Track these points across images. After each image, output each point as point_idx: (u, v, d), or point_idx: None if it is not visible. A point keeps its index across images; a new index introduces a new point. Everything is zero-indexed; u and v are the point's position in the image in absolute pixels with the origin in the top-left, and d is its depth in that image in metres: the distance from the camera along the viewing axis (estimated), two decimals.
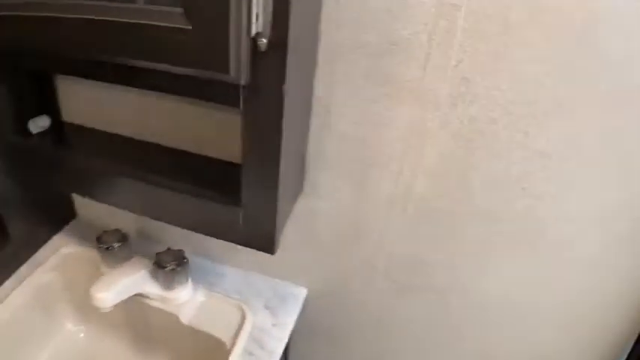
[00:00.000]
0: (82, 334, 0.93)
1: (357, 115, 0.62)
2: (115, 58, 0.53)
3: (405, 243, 0.72)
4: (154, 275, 0.78)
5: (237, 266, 0.89)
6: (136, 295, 0.78)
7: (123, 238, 0.82)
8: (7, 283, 0.85)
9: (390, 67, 0.57)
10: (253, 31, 0.43)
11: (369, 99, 0.60)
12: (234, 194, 0.58)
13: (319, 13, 0.55)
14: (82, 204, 1.00)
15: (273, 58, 0.45)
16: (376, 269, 0.78)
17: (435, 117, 0.59)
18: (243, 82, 0.47)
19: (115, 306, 0.73)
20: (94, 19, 0.48)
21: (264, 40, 0.43)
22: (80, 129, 0.81)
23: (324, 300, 0.86)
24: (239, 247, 0.65)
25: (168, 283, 0.78)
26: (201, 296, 0.82)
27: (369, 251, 0.76)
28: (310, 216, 0.75)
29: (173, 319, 0.79)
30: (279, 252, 0.65)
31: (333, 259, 0.80)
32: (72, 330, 0.93)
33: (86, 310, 0.90)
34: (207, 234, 0.65)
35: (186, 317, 0.79)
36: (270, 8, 0.42)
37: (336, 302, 0.86)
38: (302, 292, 0.85)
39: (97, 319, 0.91)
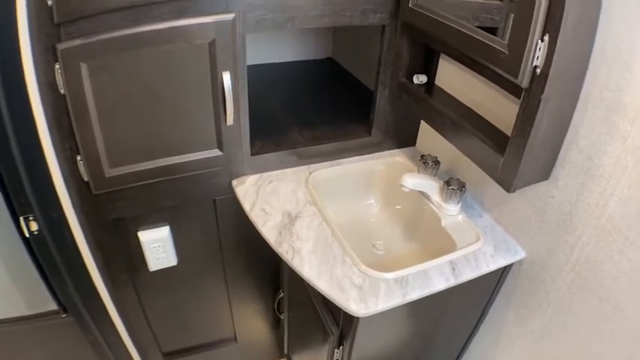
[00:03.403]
0: (376, 209, 1.66)
1: (589, 146, 1.05)
2: (469, 53, 1.13)
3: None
4: (441, 189, 1.39)
5: (493, 217, 1.40)
6: (423, 193, 1.42)
7: (436, 162, 1.45)
8: (356, 158, 1.64)
9: None
10: (535, 64, 0.94)
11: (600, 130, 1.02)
12: (502, 149, 1.11)
13: (585, 68, 1.02)
14: (421, 139, 1.70)
15: (541, 79, 0.95)
16: (569, 258, 1.17)
17: None
18: (524, 86, 0.99)
19: (407, 195, 1.40)
20: (463, 31, 1.09)
21: (539, 70, 0.94)
22: (441, 90, 1.48)
23: (532, 269, 1.29)
24: (500, 204, 1.30)
25: (447, 198, 1.37)
26: (460, 217, 1.38)
27: (571, 242, 1.16)
28: (545, 198, 1.20)
29: (436, 219, 1.39)
30: (515, 216, 1.26)
31: (547, 237, 1.22)
32: (372, 203, 1.67)
33: (388, 196, 1.63)
34: (479, 166, 1.20)
35: (444, 222, 1.37)
36: (544, 58, 0.93)
37: (537, 277, 1.28)
38: (521, 254, 1.30)
39: (391, 203, 1.62)
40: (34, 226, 1.19)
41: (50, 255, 1.27)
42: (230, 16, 1.17)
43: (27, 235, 1.20)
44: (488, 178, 1.18)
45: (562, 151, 1.12)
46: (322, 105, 1.87)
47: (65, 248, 1.29)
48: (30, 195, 1.14)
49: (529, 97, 0.99)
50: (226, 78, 1.23)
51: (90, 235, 1.35)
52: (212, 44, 1.18)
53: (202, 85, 1.24)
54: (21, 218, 1.17)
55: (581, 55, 1.00)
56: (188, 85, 1.23)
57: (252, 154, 1.47)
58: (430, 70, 1.51)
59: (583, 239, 1.12)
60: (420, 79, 1.48)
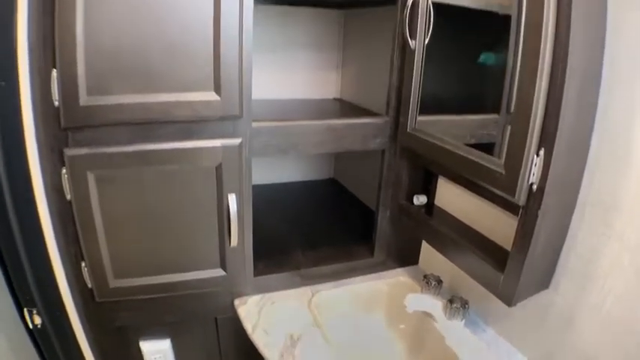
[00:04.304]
0: (380, 329, 1.59)
1: (588, 250, 1.05)
2: (466, 175, 1.15)
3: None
4: (445, 307, 1.35)
5: (496, 330, 1.35)
6: (427, 312, 1.38)
7: (439, 281, 1.43)
8: (359, 278, 1.61)
9: None
10: (531, 181, 0.96)
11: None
12: (501, 265, 1.09)
13: (579, 183, 1.04)
14: (423, 257, 1.68)
15: (537, 195, 0.96)
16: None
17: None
18: (521, 204, 0.99)
19: (411, 314, 1.36)
20: (460, 154, 1.12)
21: (535, 186, 0.95)
22: (441, 210, 1.49)
23: None
24: (502, 317, 1.25)
25: (450, 316, 1.33)
26: (464, 333, 1.33)
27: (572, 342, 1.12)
28: (545, 306, 1.17)
29: (441, 338, 1.33)
30: (517, 327, 1.21)
31: (549, 342, 1.18)
32: (376, 323, 1.60)
33: (392, 316, 1.57)
34: (480, 283, 1.17)
35: (449, 340, 1.31)
36: (540, 173, 0.94)
37: None
38: None
39: (395, 323, 1.56)
40: (37, 320, 1.18)
41: (52, 348, 1.24)
42: (237, 141, 1.22)
43: (30, 327, 1.18)
44: (489, 293, 1.15)
45: (561, 259, 1.12)
46: (325, 225, 1.88)
47: (66, 345, 1.27)
48: (34, 292, 1.14)
49: (526, 213, 1.00)
50: (232, 200, 1.25)
51: (92, 337, 1.32)
52: (219, 167, 1.21)
53: (207, 206, 1.26)
54: (25, 310, 1.15)
55: (577, 164, 1.02)
56: (194, 205, 1.25)
57: (255, 275, 1.45)
58: (430, 191, 1.53)
59: (583, 337, 1.09)
60: (420, 199, 1.50)
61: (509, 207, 1.16)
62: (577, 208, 1.06)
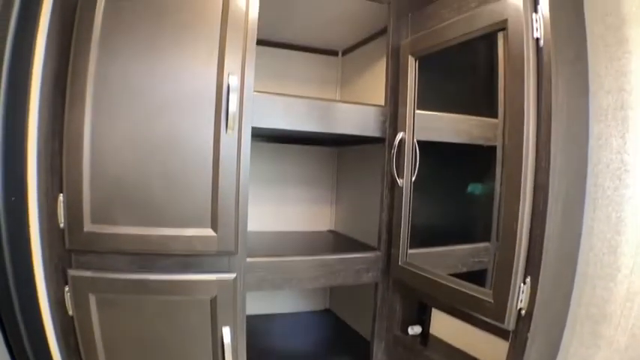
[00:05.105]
0: None
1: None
2: (457, 306, 1.16)
3: None
4: None
5: None
6: None
7: None
8: None
9: None
10: (519, 307, 0.98)
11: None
12: None
13: (567, 303, 1.05)
14: None
15: (526, 319, 0.97)
16: None
17: None
18: (510, 329, 1.01)
19: None
20: (451, 286, 1.14)
21: (524, 311, 0.97)
22: (436, 339, 1.48)
23: None
24: None
25: None
26: None
27: None
28: None
29: None
30: None
31: None
32: None
33: None
34: None
35: None
36: (527, 299, 0.96)
37: None
38: None
39: None
40: None
41: None
42: (232, 276, 1.24)
43: None
44: None
45: None
46: (320, 357, 1.82)
47: None
48: None
49: (516, 337, 1.01)
50: (226, 333, 1.24)
51: None
52: (214, 300, 1.23)
53: (202, 337, 1.25)
54: None
55: (565, 285, 1.05)
56: (189, 335, 1.24)
57: None
58: (424, 320, 1.52)
59: None
60: (414, 330, 1.49)
61: (501, 331, 1.15)
62: (567, 324, 1.07)
